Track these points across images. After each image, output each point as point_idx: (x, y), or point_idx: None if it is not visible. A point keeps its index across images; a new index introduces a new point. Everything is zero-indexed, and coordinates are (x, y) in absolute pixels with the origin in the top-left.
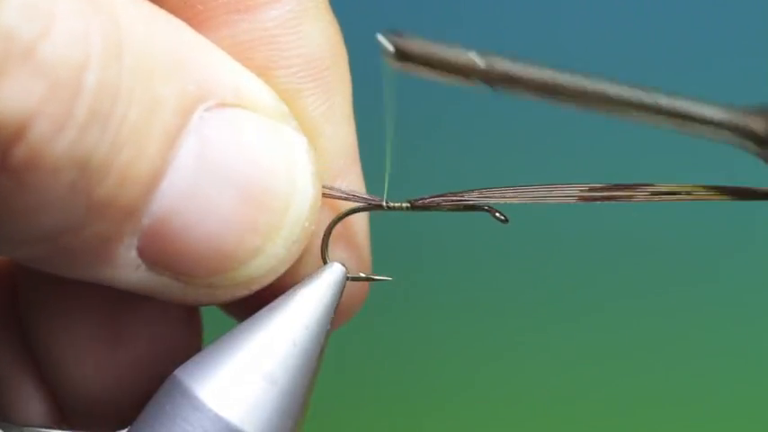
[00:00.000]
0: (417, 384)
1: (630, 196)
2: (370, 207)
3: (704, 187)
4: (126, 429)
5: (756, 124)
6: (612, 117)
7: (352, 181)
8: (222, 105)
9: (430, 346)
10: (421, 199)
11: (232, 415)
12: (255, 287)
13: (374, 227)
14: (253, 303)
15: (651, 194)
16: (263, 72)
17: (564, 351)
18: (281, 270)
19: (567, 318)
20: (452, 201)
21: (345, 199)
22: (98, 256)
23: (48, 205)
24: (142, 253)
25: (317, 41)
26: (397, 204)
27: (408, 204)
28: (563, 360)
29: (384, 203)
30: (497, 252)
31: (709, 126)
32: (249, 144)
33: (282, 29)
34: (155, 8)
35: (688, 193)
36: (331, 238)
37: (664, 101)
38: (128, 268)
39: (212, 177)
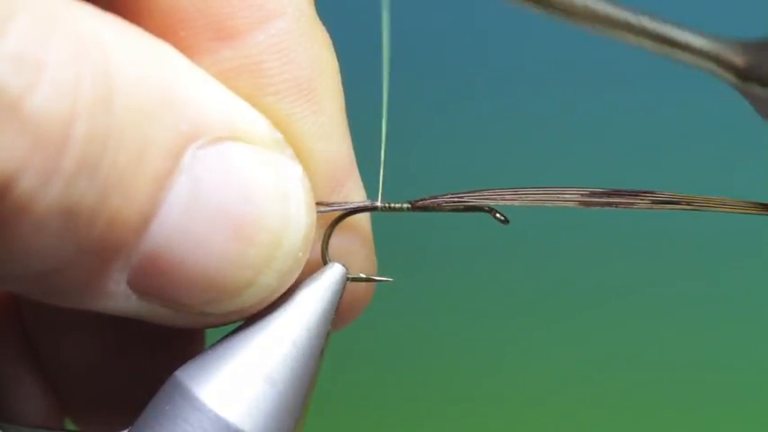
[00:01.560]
0: (418, 385)
1: (631, 203)
2: (370, 208)
3: (705, 198)
4: (127, 430)
5: (737, 57)
6: (598, 34)
7: (351, 189)
8: (216, 140)
9: (430, 347)
10: (421, 200)
11: (232, 415)
12: (247, 314)
13: (375, 228)
14: None
15: (652, 203)
16: (250, 100)
17: (565, 351)
18: (273, 298)
19: (568, 318)
20: (453, 201)
21: (342, 210)
22: (88, 290)
23: (35, 250)
24: (132, 285)
25: (304, 63)
26: (397, 205)
27: (409, 205)
28: (565, 361)
29: (380, 204)
30: (498, 252)
31: (692, 54)
32: (242, 179)
33: (267, 55)
34: (147, 41)
35: (689, 203)
36: (336, 238)
37: (649, 23)
38: (119, 299)
39: (204, 215)
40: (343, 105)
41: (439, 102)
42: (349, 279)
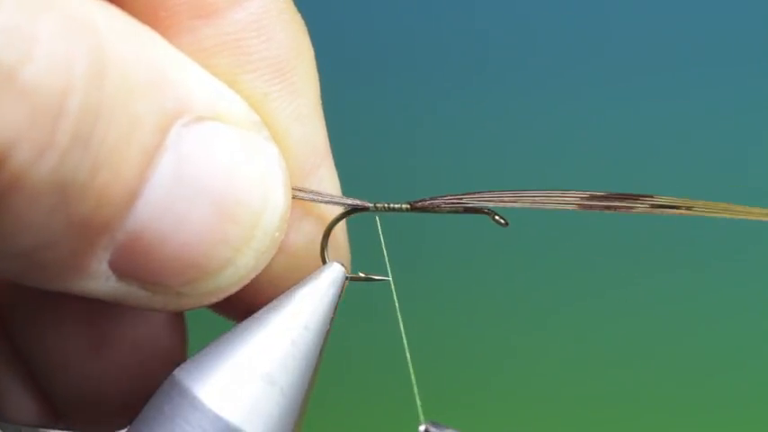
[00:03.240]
0: (417, 384)
1: (630, 207)
2: (369, 208)
3: (704, 203)
4: (125, 430)
5: None
6: None
7: (324, 176)
8: (199, 119)
9: (428, 347)
10: (421, 200)
11: (231, 415)
12: (223, 296)
13: (373, 227)
14: (252, 304)
15: (651, 207)
16: (229, 77)
17: (563, 352)
18: (249, 279)
19: (567, 319)
20: (452, 203)
21: (315, 200)
22: (71, 269)
23: (27, 226)
24: (113, 265)
25: (282, 43)
26: (396, 206)
27: (408, 206)
28: (564, 361)
29: (380, 205)
30: (497, 254)
31: None
32: (223, 158)
33: (246, 32)
34: (135, 23)
35: (688, 208)
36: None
37: None
38: (98, 279)
39: (186, 192)
40: (318, 90)
41: (439, 103)
42: (348, 278)
